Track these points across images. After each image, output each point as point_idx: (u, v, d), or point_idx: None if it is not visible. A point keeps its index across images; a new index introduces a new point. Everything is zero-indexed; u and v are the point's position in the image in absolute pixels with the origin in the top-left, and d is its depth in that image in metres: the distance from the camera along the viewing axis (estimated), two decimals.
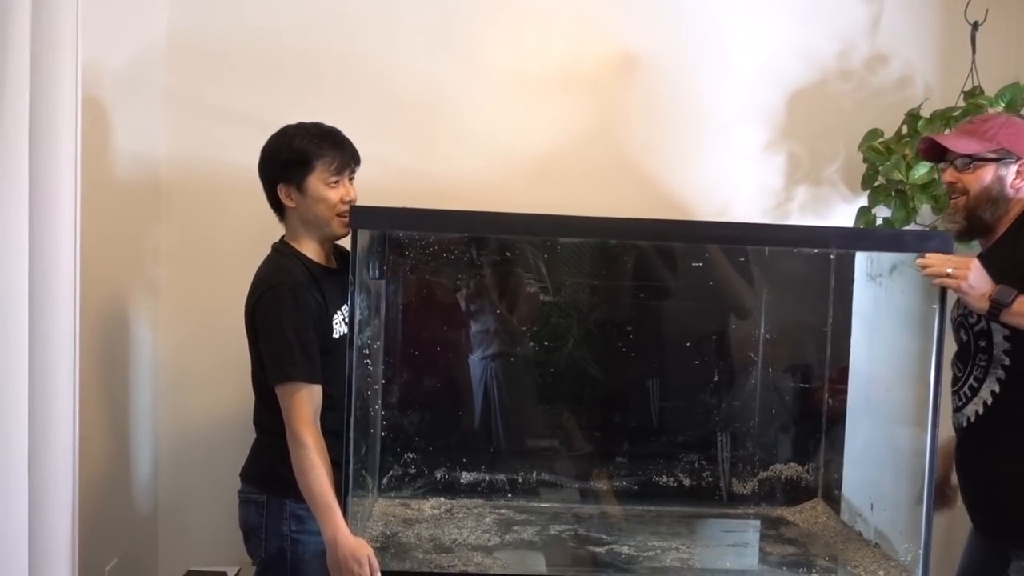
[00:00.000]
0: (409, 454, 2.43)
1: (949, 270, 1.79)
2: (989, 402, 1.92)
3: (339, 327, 2.01)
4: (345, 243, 2.09)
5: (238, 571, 2.67)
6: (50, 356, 1.86)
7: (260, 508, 2.00)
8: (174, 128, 2.69)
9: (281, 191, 2.01)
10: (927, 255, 1.83)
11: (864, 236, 2.13)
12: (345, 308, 2.02)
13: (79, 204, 1.90)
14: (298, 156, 1.98)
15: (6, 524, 1.73)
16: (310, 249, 2.04)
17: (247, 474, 2.08)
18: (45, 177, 1.82)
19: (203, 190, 2.71)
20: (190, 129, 2.70)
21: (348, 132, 2.42)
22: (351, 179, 2.05)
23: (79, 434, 1.95)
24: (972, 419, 1.95)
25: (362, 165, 2.35)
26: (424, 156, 2.71)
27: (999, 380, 1.91)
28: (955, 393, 2.01)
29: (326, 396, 1.94)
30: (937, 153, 2.05)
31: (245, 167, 2.65)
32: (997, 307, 1.79)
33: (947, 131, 2.42)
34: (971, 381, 1.96)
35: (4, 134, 1.67)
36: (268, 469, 2.00)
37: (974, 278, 1.80)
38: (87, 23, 1.95)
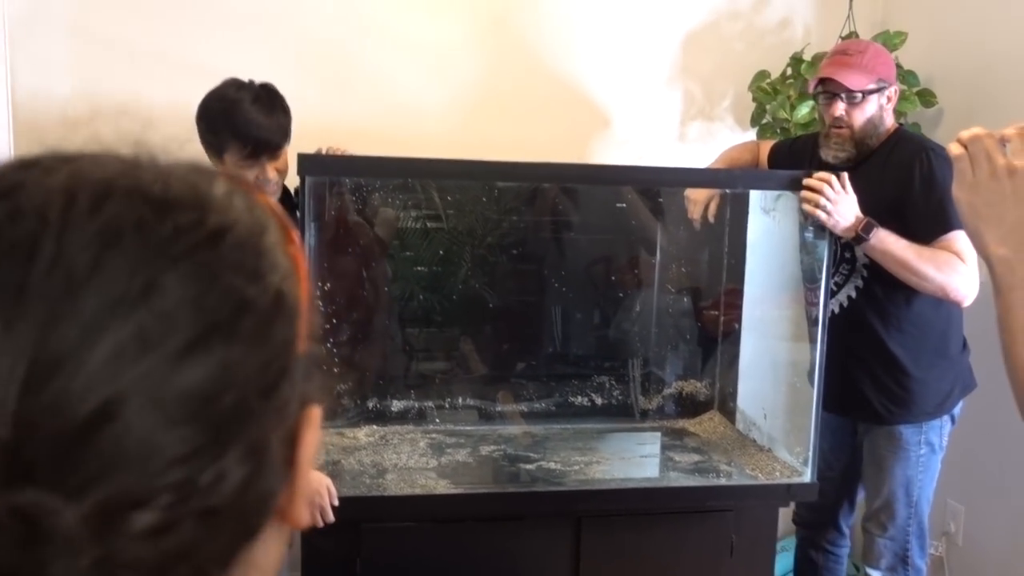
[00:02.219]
0: (341, 385, 2.53)
1: (823, 202, 2.01)
2: (845, 304, 2.25)
3: None
4: None
5: None
6: None
7: None
8: (78, 64, 2.62)
9: (206, 151, 2.02)
10: (813, 177, 2.03)
11: (761, 177, 2.35)
12: None
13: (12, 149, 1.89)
14: (212, 139, 2.00)
15: None
16: None
17: None
18: None
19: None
20: (96, 65, 2.63)
21: (254, 66, 2.46)
22: (272, 158, 2.03)
23: None
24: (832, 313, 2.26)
25: None
26: (340, 95, 2.75)
27: (856, 287, 2.22)
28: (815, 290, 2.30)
29: None
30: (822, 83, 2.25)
31: (154, 103, 2.66)
32: (859, 241, 2.06)
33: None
34: (832, 284, 2.24)
35: None
36: None
37: (844, 209, 2.02)
38: None
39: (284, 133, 2.04)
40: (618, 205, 2.55)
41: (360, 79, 2.77)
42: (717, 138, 3.01)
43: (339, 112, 2.74)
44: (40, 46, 2.50)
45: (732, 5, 2.98)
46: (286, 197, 2.19)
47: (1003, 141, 1.02)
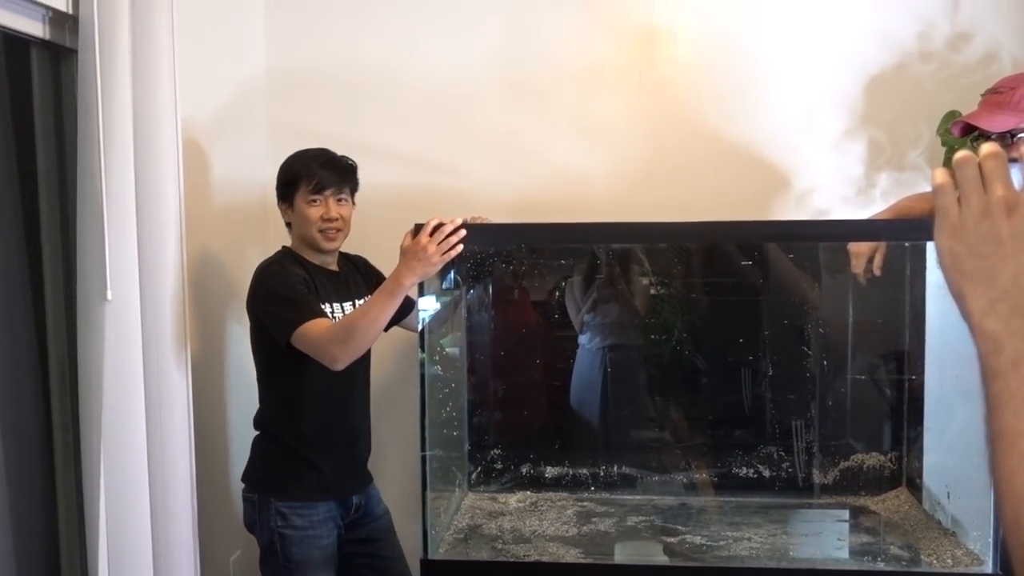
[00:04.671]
0: (497, 451, 2.56)
1: None
2: None
3: (330, 313, 2.16)
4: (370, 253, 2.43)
5: None
6: (164, 366, 2.09)
7: (254, 506, 2.20)
8: (277, 154, 2.91)
9: (281, 208, 2.22)
10: None
11: (902, 227, 2.10)
12: (336, 305, 2.18)
13: (184, 230, 2.13)
14: (287, 176, 2.20)
15: (134, 523, 1.97)
16: (311, 256, 2.22)
17: (244, 475, 2.29)
18: (152, 209, 2.05)
19: None
20: (291, 153, 2.92)
21: (427, 146, 2.63)
22: (340, 200, 2.18)
23: (197, 442, 2.20)
24: None
25: (443, 177, 2.55)
26: (504, 166, 2.84)
27: None
28: None
29: (313, 395, 2.15)
30: (971, 127, 2.04)
31: None
32: None
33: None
34: None
35: (112, 173, 1.90)
36: (256, 469, 2.24)
37: None
38: (192, 70, 2.21)
39: (342, 173, 2.20)
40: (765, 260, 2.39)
41: (525, 152, 2.84)
42: (913, 188, 2.74)
43: (505, 184, 2.83)
44: (243, 139, 2.81)
45: (923, 45, 2.74)
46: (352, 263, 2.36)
47: (1016, 160, 0.83)
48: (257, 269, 2.19)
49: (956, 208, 0.76)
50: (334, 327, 2.02)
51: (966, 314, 0.76)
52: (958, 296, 0.77)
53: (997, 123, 1.95)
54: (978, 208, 0.75)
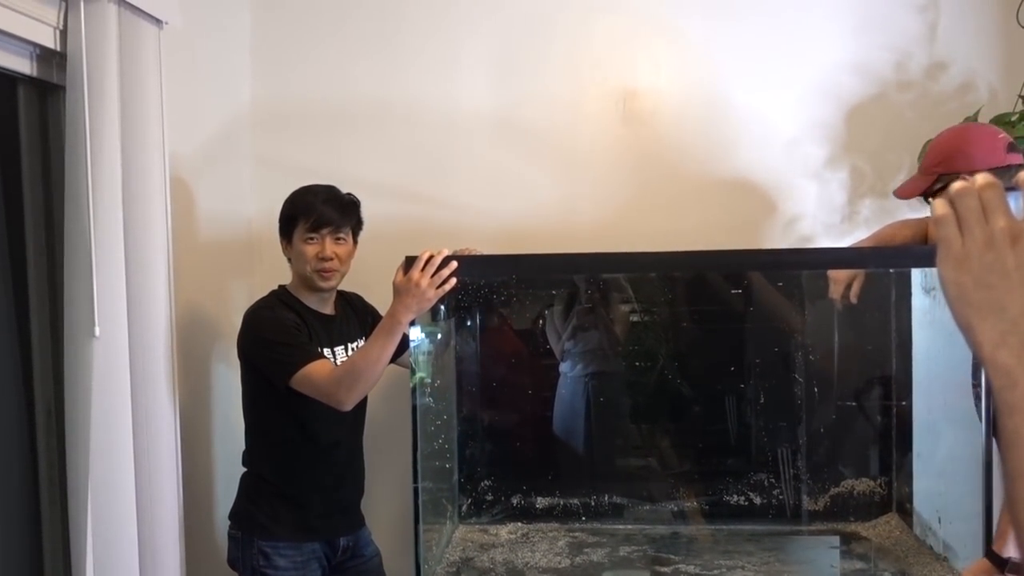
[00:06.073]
0: (487, 482, 2.55)
1: None
2: None
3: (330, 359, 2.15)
4: (360, 287, 2.41)
5: None
6: (153, 402, 2.07)
7: (237, 543, 2.18)
8: (262, 188, 2.92)
9: (282, 244, 2.21)
10: None
11: (897, 254, 2.13)
12: (328, 350, 2.17)
13: (172, 264, 2.12)
14: (288, 212, 2.19)
15: (121, 561, 1.94)
16: (306, 297, 2.21)
17: (231, 512, 2.26)
18: (140, 244, 2.04)
19: None
20: (276, 187, 2.91)
21: (413, 178, 2.63)
22: (338, 239, 2.17)
23: (183, 479, 2.18)
24: None
25: (429, 209, 2.55)
26: (491, 197, 2.85)
27: None
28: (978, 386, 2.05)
29: (301, 437, 2.14)
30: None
31: None
32: None
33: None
34: None
35: (99, 209, 1.89)
36: (241, 507, 2.21)
37: None
38: (179, 104, 2.21)
39: (342, 211, 2.18)
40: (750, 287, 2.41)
41: (511, 183, 2.86)
42: (895, 215, 2.77)
43: (492, 215, 2.84)
44: (229, 173, 2.82)
45: (901, 75, 2.79)
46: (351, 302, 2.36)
47: (1014, 188, 0.82)
48: (247, 312, 2.19)
49: (959, 239, 0.76)
50: (337, 371, 2.02)
51: (975, 346, 0.75)
52: (966, 327, 0.76)
53: (906, 191, 2.13)
54: (981, 239, 0.75)
